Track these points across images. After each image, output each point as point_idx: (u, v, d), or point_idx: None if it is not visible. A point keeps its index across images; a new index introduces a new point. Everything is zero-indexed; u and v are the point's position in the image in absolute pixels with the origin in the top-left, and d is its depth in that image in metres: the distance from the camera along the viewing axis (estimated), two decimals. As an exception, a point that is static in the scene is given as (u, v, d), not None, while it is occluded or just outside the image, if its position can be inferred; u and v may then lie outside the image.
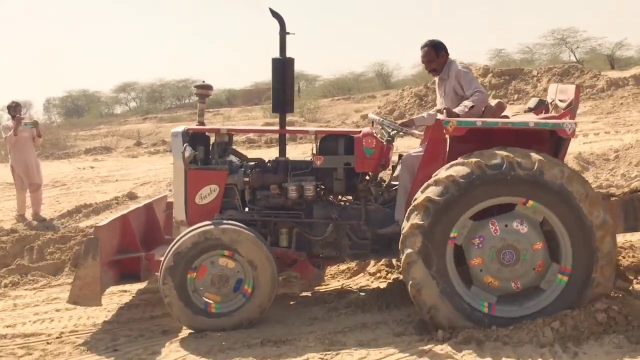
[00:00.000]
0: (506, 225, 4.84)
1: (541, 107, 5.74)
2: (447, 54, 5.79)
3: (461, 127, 4.95)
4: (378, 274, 6.45)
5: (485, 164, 4.72)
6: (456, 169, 4.78)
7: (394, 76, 47.12)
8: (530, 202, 4.78)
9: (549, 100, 5.75)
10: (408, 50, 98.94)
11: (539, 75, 24.51)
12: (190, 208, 5.68)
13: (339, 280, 6.51)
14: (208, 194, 5.67)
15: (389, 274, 6.41)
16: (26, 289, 6.87)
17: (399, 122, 5.94)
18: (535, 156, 4.75)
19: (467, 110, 5.37)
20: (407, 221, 4.84)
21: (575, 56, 40.41)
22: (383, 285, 6.18)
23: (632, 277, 5.80)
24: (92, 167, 17.68)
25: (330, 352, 4.69)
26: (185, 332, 5.31)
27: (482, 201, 4.80)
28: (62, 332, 5.48)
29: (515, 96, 23.61)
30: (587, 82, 22.73)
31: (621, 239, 6.24)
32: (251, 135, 20.45)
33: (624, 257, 6.08)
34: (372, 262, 6.58)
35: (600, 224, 4.71)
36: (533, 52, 43.85)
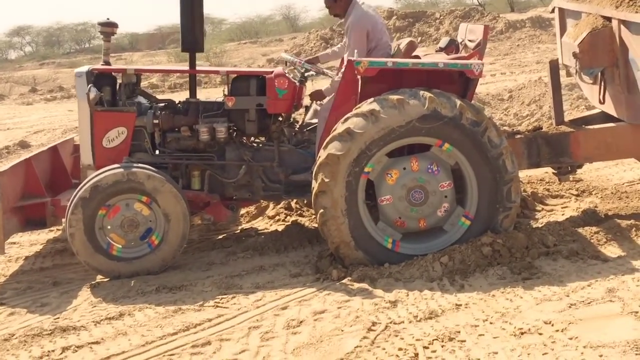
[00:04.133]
0: (422, 165, 4.96)
1: (452, 46, 5.80)
2: (344, 1, 5.68)
3: (372, 68, 4.96)
4: (277, 217, 6.45)
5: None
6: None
7: (302, 19, 46.83)
8: (446, 145, 4.88)
9: (459, 40, 5.82)
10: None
11: (441, 17, 24.81)
12: (97, 151, 5.49)
13: (237, 225, 6.48)
14: (116, 136, 5.49)
15: (288, 217, 6.42)
16: None
17: (304, 59, 5.90)
18: (456, 100, 4.84)
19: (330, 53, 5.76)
20: (324, 150, 4.88)
21: (477, -1, 41.12)
22: (281, 228, 6.20)
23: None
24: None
25: (225, 296, 4.71)
26: (77, 283, 5.18)
27: (399, 139, 4.88)
28: (-56, 288, 5.23)
29: (419, 39, 23.80)
30: (487, 24, 23.21)
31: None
32: (154, 79, 19.80)
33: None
34: (271, 205, 6.58)
35: (510, 177, 4.89)
36: (438, -6, 44.34)
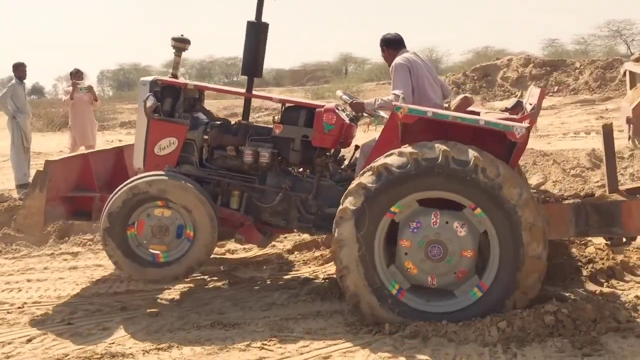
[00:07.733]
0: (447, 222, 4.76)
1: (518, 108, 5.69)
2: (392, 49, 5.74)
3: (411, 115, 4.89)
4: (350, 263, 6.39)
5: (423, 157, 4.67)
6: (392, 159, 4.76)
7: (443, 62, 46.54)
8: (479, 210, 4.70)
9: (525, 102, 5.66)
10: (461, 35, 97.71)
11: (581, 67, 23.82)
12: (148, 157, 5.81)
13: (309, 267, 6.51)
14: (167, 145, 5.78)
15: (361, 263, 6.34)
16: (6, 258, 7.04)
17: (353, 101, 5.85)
18: (501, 167, 4.65)
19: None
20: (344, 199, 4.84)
21: (630, 49, 39.16)
22: (351, 274, 6.12)
23: (603, 281, 5.66)
24: (120, 141, 17.92)
25: (274, 339, 4.70)
26: (143, 310, 5.39)
27: (433, 189, 4.74)
28: (24, 303, 5.63)
29: (556, 88, 23.03)
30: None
31: (598, 240, 6.08)
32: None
33: (601, 259, 5.93)
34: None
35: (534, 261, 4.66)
36: (587, 43, 42.77)
